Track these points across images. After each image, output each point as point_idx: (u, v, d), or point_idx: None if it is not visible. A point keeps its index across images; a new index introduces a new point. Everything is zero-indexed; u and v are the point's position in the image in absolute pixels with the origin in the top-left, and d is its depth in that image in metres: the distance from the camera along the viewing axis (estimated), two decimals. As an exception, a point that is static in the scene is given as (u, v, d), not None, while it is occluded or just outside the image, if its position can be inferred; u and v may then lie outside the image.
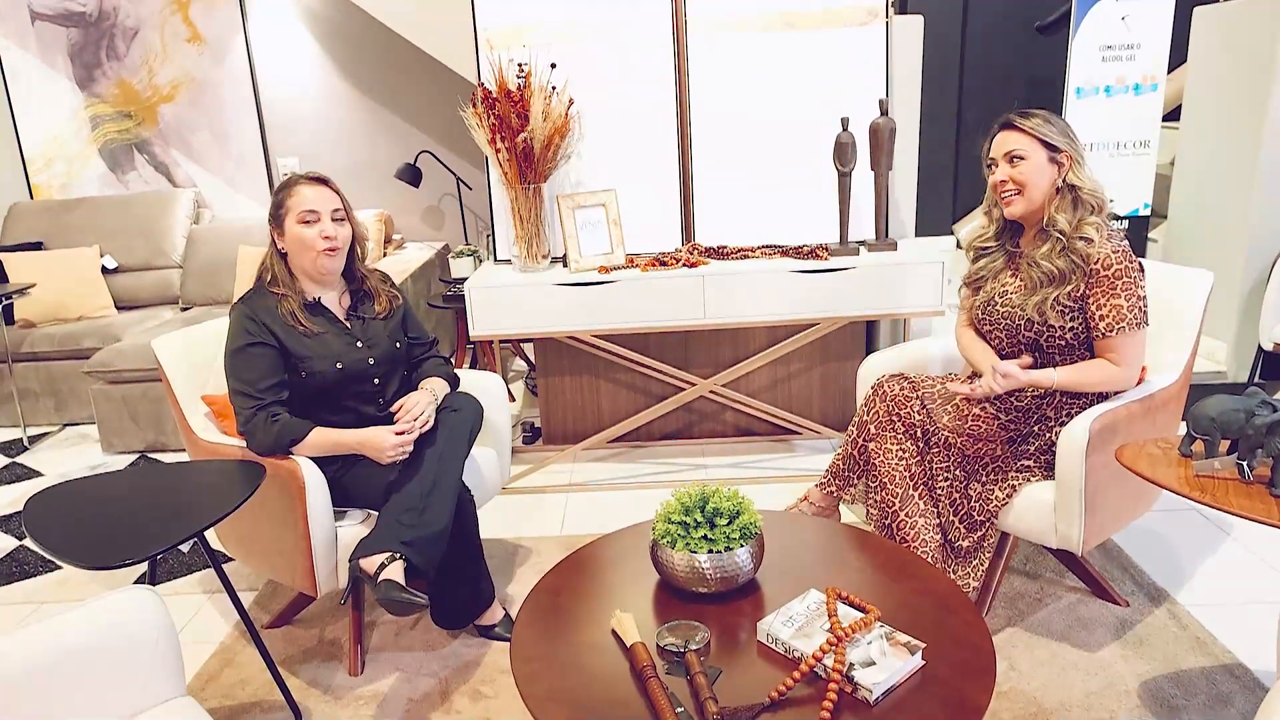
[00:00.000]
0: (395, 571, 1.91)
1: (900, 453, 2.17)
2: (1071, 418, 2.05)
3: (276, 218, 2.11)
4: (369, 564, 1.93)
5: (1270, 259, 3.46)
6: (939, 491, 2.16)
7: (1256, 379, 3.54)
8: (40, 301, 4.10)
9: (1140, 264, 2.02)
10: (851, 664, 1.38)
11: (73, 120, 4.70)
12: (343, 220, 2.13)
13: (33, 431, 4.08)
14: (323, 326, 2.13)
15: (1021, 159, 2.05)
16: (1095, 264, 1.98)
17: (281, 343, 2.07)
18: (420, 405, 2.10)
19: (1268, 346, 3.41)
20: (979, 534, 2.12)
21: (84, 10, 4.53)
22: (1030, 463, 2.10)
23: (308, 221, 2.08)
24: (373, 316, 2.23)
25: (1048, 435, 2.09)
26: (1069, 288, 2.02)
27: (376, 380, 2.19)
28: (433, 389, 2.21)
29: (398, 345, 2.25)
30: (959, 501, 2.15)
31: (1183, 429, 1.74)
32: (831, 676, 1.35)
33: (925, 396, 2.19)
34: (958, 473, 2.16)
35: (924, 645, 1.43)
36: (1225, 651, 2.07)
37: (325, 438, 2.05)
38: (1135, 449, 1.76)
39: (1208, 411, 1.62)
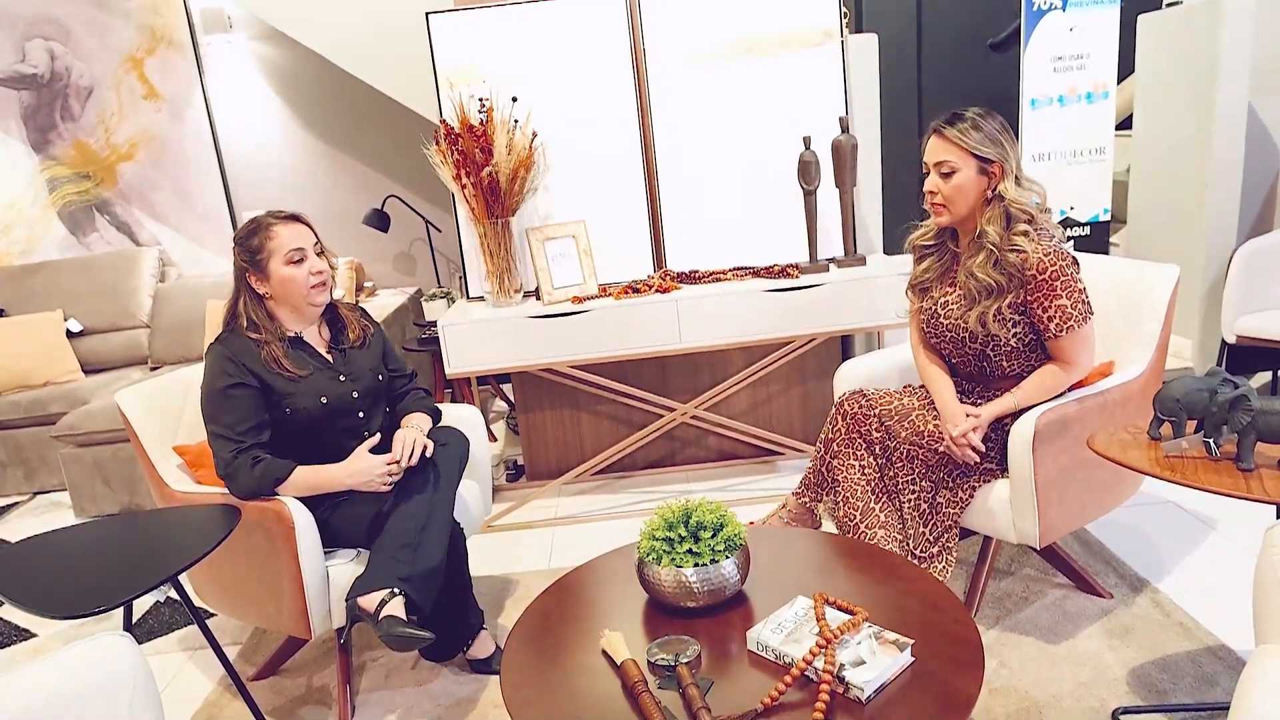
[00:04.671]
0: (396, 608, 1.89)
1: (860, 468, 2.21)
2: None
3: (256, 263, 2.07)
4: (368, 602, 1.91)
5: (1227, 255, 3.54)
6: (906, 504, 2.18)
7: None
8: (4, 369, 4.04)
9: (1074, 258, 2.06)
10: (842, 665, 1.38)
11: (29, 185, 4.66)
12: (322, 253, 2.14)
13: (2, 502, 3.99)
14: (305, 366, 2.11)
15: (952, 173, 2.07)
16: (1030, 270, 2.01)
17: (263, 382, 2.04)
18: (415, 443, 2.06)
19: (1230, 340, 3.48)
20: (944, 537, 2.14)
21: (35, 72, 4.52)
22: (992, 465, 2.13)
23: (296, 261, 2.06)
24: (351, 346, 2.22)
25: (1001, 435, 2.12)
26: (1008, 299, 2.05)
27: (361, 414, 2.18)
28: (418, 425, 2.19)
29: (379, 378, 2.24)
30: (926, 512, 2.17)
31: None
32: (823, 678, 1.35)
33: (882, 414, 2.22)
34: (924, 483, 2.18)
35: (912, 642, 1.43)
36: (1208, 634, 2.09)
37: (310, 476, 2.02)
38: (1106, 436, 1.79)
39: (1172, 393, 1.66)
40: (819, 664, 1.38)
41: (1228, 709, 1.29)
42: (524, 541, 3.04)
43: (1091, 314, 2.05)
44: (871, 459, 2.22)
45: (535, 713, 1.42)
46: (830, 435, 2.29)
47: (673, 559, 1.61)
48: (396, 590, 1.91)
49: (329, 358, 2.18)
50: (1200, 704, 1.86)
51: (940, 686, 1.36)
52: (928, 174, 2.12)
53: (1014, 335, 2.08)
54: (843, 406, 2.27)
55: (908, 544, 2.16)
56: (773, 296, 2.97)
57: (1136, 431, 1.80)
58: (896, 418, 2.20)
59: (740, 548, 1.65)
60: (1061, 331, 2.02)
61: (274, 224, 2.08)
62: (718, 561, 1.61)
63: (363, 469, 2.02)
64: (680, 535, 1.63)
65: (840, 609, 1.56)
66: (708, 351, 3.28)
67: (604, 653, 1.54)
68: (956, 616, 1.55)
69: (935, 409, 2.19)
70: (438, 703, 2.16)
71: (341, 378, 2.16)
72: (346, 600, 1.96)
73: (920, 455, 2.16)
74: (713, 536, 1.63)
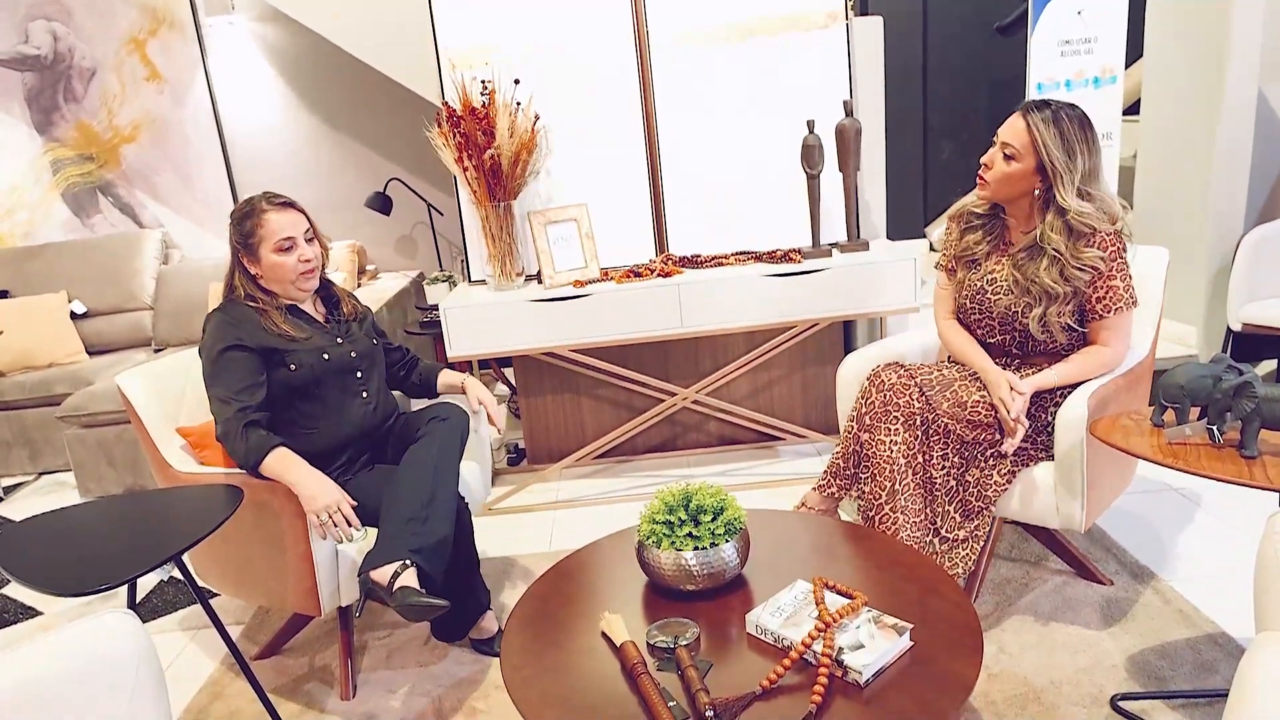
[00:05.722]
0: (410, 579, 1.91)
1: (893, 444, 2.09)
2: (1065, 397, 2.08)
3: (248, 246, 2.10)
4: (381, 575, 1.92)
5: (1234, 242, 3.52)
6: (936, 480, 2.11)
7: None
8: (9, 350, 4.06)
9: (1124, 243, 2.05)
10: (841, 648, 1.38)
11: (32, 167, 4.66)
12: (313, 239, 2.15)
13: (7, 482, 4.02)
14: (304, 330, 2.16)
15: (1011, 158, 2.03)
16: (1096, 246, 2.01)
17: (263, 345, 2.07)
18: (492, 408, 2.29)
19: (1236, 327, 3.47)
20: (974, 523, 2.10)
21: (39, 53, 4.51)
22: (1027, 444, 2.10)
23: (285, 249, 2.09)
24: (345, 319, 2.28)
25: (1043, 417, 2.11)
26: (1071, 303, 2.04)
27: (359, 374, 2.22)
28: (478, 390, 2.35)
29: (375, 342, 2.31)
30: (955, 489, 2.12)
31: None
32: (821, 662, 1.36)
33: (923, 383, 2.13)
34: (955, 459, 2.11)
35: (911, 626, 1.44)
36: (1208, 621, 2.09)
37: (282, 464, 1.98)
38: (1109, 422, 1.79)
39: (1177, 380, 1.65)
40: (818, 647, 1.39)
41: (1227, 696, 1.29)
42: (524, 525, 3.05)
43: (1136, 304, 2.06)
44: (908, 434, 2.08)
45: (535, 694, 1.43)
46: (863, 410, 2.15)
47: (673, 542, 1.62)
48: (409, 562, 1.93)
49: (326, 325, 2.23)
50: (1199, 691, 1.86)
51: (939, 671, 1.37)
52: (994, 144, 2.08)
53: (1064, 314, 2.06)
54: (878, 377, 2.14)
55: (934, 523, 2.09)
56: (775, 281, 2.96)
57: (1139, 418, 1.80)
58: (938, 387, 2.11)
59: (740, 531, 1.65)
60: (1108, 312, 2.02)
61: (267, 210, 2.09)
62: (717, 545, 1.61)
63: (322, 492, 1.95)
64: (680, 519, 1.64)
65: (840, 593, 1.56)
66: (709, 336, 3.28)
67: (604, 635, 1.54)
68: (956, 601, 1.55)
69: (977, 380, 2.12)
70: (439, 683, 2.17)
71: (339, 340, 2.21)
72: (359, 575, 1.98)
73: (957, 430, 2.09)
74: (713, 520, 1.63)
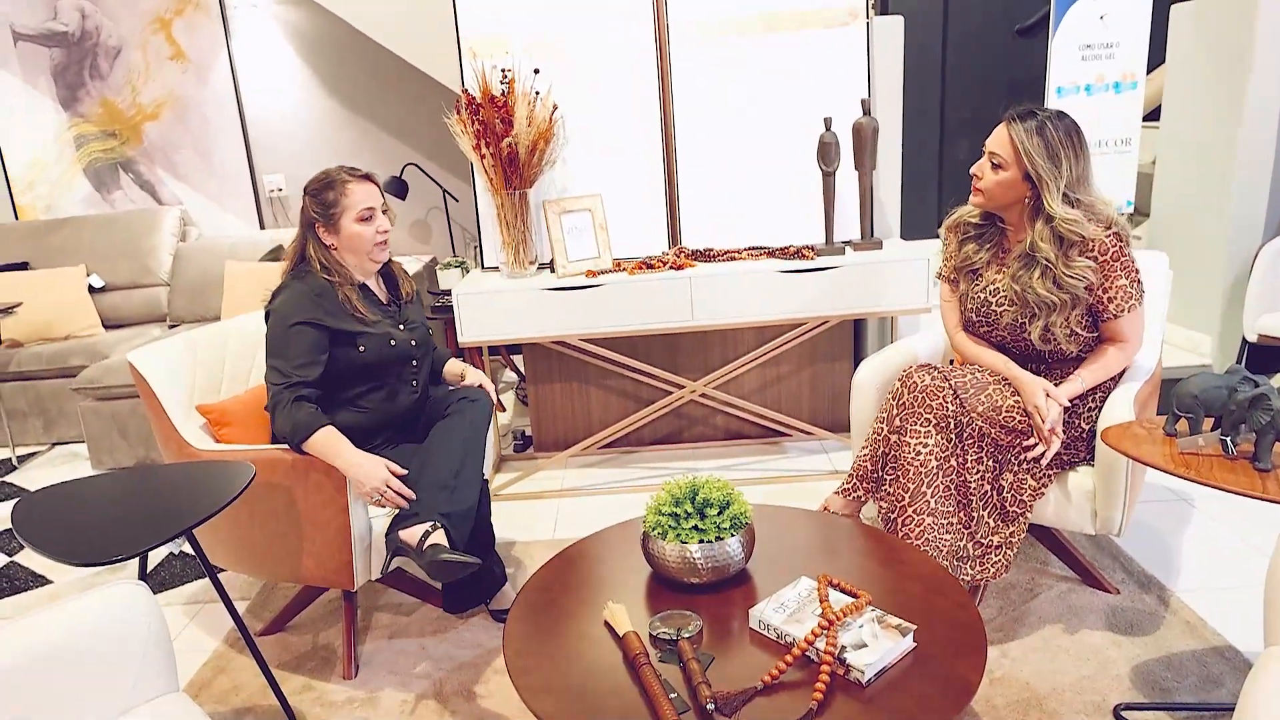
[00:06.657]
0: (439, 538, 1.95)
1: (920, 447, 2.04)
2: (1098, 401, 2.09)
3: (329, 216, 2.12)
4: (410, 535, 1.96)
5: (1252, 252, 3.49)
6: (971, 485, 2.07)
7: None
8: (27, 321, 4.10)
9: (1125, 234, 2.04)
10: (843, 647, 1.39)
11: (56, 141, 4.70)
12: (385, 211, 2.20)
13: (21, 451, 4.06)
14: (375, 314, 2.19)
15: (999, 166, 2.05)
16: (1092, 252, 2.01)
17: (339, 324, 2.10)
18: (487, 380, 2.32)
19: (1252, 338, 3.44)
20: (1010, 529, 2.08)
21: (66, 30, 4.54)
22: (1060, 450, 2.09)
23: (366, 219, 2.13)
24: (405, 301, 2.31)
25: (1077, 423, 2.10)
26: (1074, 312, 2.03)
27: (414, 362, 2.26)
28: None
29: (429, 331, 2.35)
30: (990, 495, 2.09)
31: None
32: (824, 660, 1.36)
33: (958, 386, 2.09)
34: (990, 463, 2.09)
35: (915, 627, 1.44)
36: (1215, 634, 2.08)
37: (329, 443, 2.01)
38: (1120, 430, 1.78)
39: (1191, 389, 1.64)
40: (820, 645, 1.39)
41: (1232, 710, 1.28)
42: (530, 511, 3.06)
43: (1144, 293, 2.06)
44: (940, 437, 2.04)
45: (536, 680, 1.43)
46: (894, 411, 2.10)
47: (678, 534, 1.62)
48: (438, 524, 1.97)
49: (389, 309, 2.27)
50: (1204, 704, 1.85)
51: (941, 672, 1.37)
52: (983, 155, 2.10)
53: (1073, 319, 2.06)
54: (910, 379, 2.09)
55: (969, 527, 2.07)
56: (787, 277, 2.96)
57: (1151, 427, 1.79)
58: (973, 390, 2.08)
59: (745, 526, 1.65)
60: (1121, 311, 2.02)
61: (349, 181, 2.13)
62: (723, 539, 1.62)
63: (370, 467, 2.00)
64: (686, 511, 1.64)
65: (844, 591, 1.56)
66: (719, 330, 3.27)
67: (606, 624, 1.55)
68: (960, 603, 1.55)
69: (1010, 385, 2.10)
70: (440, 665, 2.19)
71: (402, 327, 2.24)
72: (387, 535, 2.02)
73: (991, 434, 2.06)
74: (719, 514, 1.63)
